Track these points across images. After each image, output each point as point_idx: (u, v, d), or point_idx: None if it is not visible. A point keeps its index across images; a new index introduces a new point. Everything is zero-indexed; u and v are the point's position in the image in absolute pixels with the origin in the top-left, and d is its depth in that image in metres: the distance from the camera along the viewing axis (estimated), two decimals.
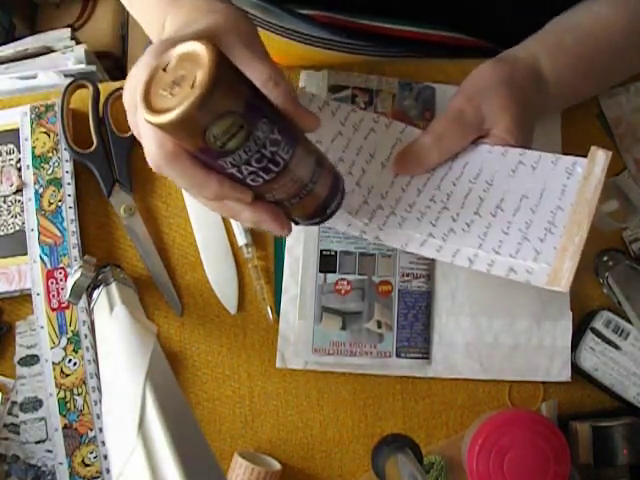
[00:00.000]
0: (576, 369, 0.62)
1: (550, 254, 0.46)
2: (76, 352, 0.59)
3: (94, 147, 0.61)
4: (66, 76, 0.68)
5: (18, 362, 0.61)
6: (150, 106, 0.35)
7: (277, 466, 0.61)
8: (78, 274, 0.55)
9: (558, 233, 0.47)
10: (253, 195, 0.41)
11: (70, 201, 0.60)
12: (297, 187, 0.42)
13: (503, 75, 0.52)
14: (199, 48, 0.34)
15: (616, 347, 0.62)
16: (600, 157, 0.49)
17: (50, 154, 0.61)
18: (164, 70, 0.36)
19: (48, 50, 0.79)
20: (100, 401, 0.58)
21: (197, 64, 0.34)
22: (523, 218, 0.49)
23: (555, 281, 0.44)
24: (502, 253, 0.47)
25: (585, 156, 0.50)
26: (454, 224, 0.50)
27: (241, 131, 0.36)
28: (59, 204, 0.60)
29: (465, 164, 0.53)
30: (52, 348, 0.59)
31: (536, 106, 0.54)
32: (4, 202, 0.61)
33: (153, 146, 0.38)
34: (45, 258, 0.59)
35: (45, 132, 0.61)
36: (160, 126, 0.35)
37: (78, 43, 0.81)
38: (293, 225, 0.62)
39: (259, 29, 0.67)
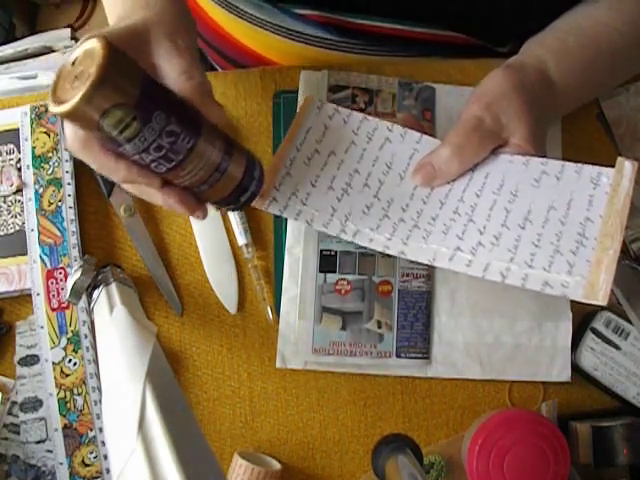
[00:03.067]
0: (576, 369, 0.62)
1: (584, 267, 0.45)
2: (76, 352, 0.59)
3: None
4: None
5: (18, 362, 0.61)
6: (55, 98, 0.39)
7: (277, 466, 0.61)
8: (78, 274, 0.55)
9: (590, 245, 0.46)
10: (162, 181, 0.44)
11: (70, 201, 0.60)
12: (203, 175, 0.44)
13: (515, 82, 0.52)
14: (96, 45, 0.38)
15: (616, 347, 0.62)
16: (627, 168, 0.48)
17: (50, 154, 0.61)
18: (73, 65, 0.39)
19: (48, 50, 0.78)
20: (100, 401, 0.58)
21: (93, 60, 0.37)
22: (553, 230, 0.48)
23: (592, 295, 0.44)
24: (535, 267, 0.46)
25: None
26: (482, 237, 0.49)
27: (134, 122, 0.39)
28: (59, 204, 0.60)
29: (486, 174, 0.52)
30: (52, 348, 0.59)
31: (547, 111, 0.54)
32: (4, 202, 0.61)
33: (70, 134, 0.42)
34: (45, 258, 0.59)
35: (45, 132, 0.61)
36: (59, 116, 0.38)
37: None
38: (293, 225, 0.62)
39: (257, 28, 0.67)
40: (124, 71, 0.39)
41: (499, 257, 0.47)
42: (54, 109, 0.38)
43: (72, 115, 0.38)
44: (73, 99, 0.37)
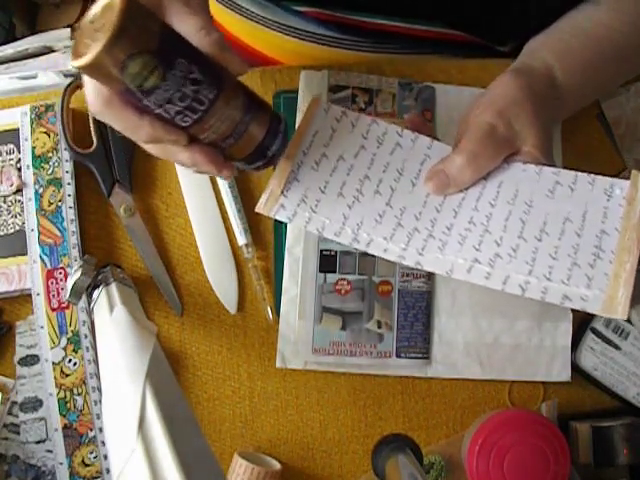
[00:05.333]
0: (576, 369, 0.62)
1: (602, 280, 0.45)
2: (76, 352, 0.59)
3: (94, 147, 0.61)
4: (66, 76, 0.68)
5: (18, 362, 0.61)
6: (76, 53, 0.39)
7: (277, 466, 0.61)
8: (78, 274, 0.55)
9: (607, 258, 0.46)
10: (188, 137, 0.43)
11: (70, 201, 0.60)
12: (229, 127, 0.44)
13: (526, 88, 0.52)
14: None
15: (616, 347, 0.62)
16: None
17: (50, 154, 0.61)
18: (92, 23, 0.40)
19: (48, 50, 0.78)
20: (100, 401, 0.58)
21: (112, 11, 0.38)
22: (570, 242, 0.48)
23: (611, 309, 0.44)
24: (554, 280, 0.46)
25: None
26: (499, 249, 0.48)
27: (156, 70, 0.39)
28: (59, 204, 0.60)
29: (500, 183, 0.51)
30: (52, 348, 0.59)
31: (553, 115, 0.54)
32: (4, 202, 0.61)
33: (91, 93, 0.42)
34: (45, 258, 0.59)
35: (45, 132, 0.61)
36: (81, 69, 0.39)
37: None
38: (293, 225, 0.62)
39: (256, 25, 0.67)
40: (143, 18, 0.39)
41: (517, 270, 0.47)
42: (76, 63, 0.38)
43: (94, 66, 0.38)
44: (95, 48, 0.37)
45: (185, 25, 0.43)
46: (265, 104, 0.47)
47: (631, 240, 0.46)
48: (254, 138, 0.46)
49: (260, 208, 0.50)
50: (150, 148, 0.46)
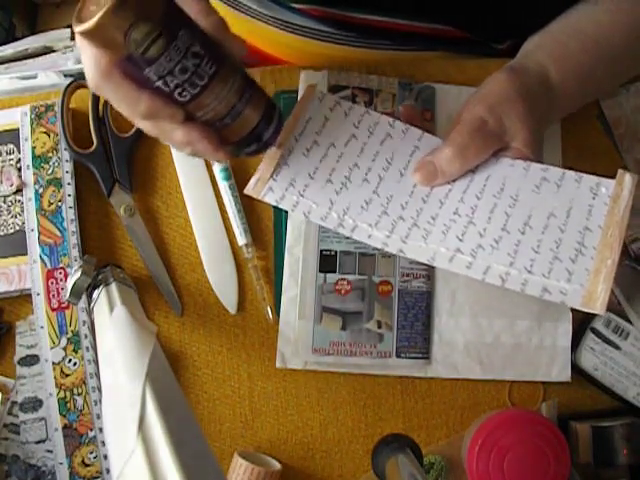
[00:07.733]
0: (576, 369, 0.62)
1: (582, 275, 0.46)
2: (76, 352, 0.59)
3: (94, 147, 0.61)
4: (66, 76, 0.68)
5: (18, 362, 0.61)
6: (80, 19, 0.39)
7: (277, 466, 0.61)
8: (78, 274, 0.55)
9: (589, 254, 0.47)
10: (184, 114, 0.43)
11: (70, 201, 0.60)
12: (225, 106, 0.44)
13: (519, 86, 0.52)
14: None
15: (616, 347, 0.62)
16: (627, 180, 0.49)
17: (50, 154, 0.61)
18: None
19: (48, 50, 0.78)
20: (100, 401, 0.58)
21: None
22: (552, 237, 0.48)
23: (590, 303, 0.45)
24: (534, 272, 0.47)
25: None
26: (482, 240, 0.49)
27: (160, 39, 0.40)
28: (59, 204, 0.60)
29: (487, 177, 0.52)
30: (52, 348, 0.59)
31: (546, 116, 0.55)
32: (4, 202, 0.61)
33: (91, 65, 0.42)
34: (45, 258, 0.59)
35: (45, 132, 0.61)
36: (83, 34, 0.39)
37: None
38: (293, 225, 0.62)
39: (254, 20, 0.68)
40: None
41: (499, 261, 0.48)
42: (79, 27, 0.39)
43: (98, 31, 0.38)
44: (99, 13, 0.37)
45: (186, 8, 0.43)
46: (262, 89, 0.47)
47: (613, 237, 0.47)
48: (250, 120, 0.46)
49: (249, 190, 0.51)
50: (146, 126, 0.45)
